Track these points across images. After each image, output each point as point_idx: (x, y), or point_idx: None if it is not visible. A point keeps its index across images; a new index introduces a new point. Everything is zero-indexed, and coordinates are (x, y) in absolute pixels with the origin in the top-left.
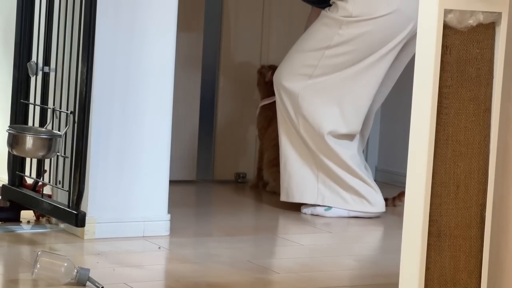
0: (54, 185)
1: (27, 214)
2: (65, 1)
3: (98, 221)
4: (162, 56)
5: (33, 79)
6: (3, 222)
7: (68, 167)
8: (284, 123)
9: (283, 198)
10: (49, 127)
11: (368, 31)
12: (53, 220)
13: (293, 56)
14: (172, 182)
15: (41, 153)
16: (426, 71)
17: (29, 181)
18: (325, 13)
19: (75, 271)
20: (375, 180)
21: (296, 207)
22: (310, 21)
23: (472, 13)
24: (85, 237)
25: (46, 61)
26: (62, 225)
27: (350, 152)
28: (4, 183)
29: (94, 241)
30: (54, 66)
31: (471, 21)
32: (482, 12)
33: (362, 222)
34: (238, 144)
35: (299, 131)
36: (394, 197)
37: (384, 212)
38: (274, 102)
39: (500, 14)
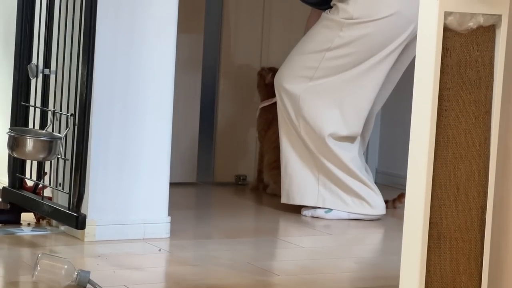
0: (54, 187)
1: (27, 217)
2: (66, 3)
3: (99, 223)
4: (162, 58)
5: (33, 81)
6: (3, 225)
7: (68, 169)
8: (285, 125)
9: (283, 200)
10: (50, 129)
11: (368, 33)
12: (54, 222)
13: (294, 58)
14: (172, 184)
15: (41, 156)
16: (426, 74)
17: (30, 183)
18: (326, 15)
19: (76, 273)
20: (375, 183)
21: (296, 209)
22: (309, 23)
23: (472, 15)
24: (86, 239)
25: (47, 63)
26: (62, 227)
27: (351, 155)
28: (4, 185)
29: (94, 243)
30: (54, 68)
31: (471, 24)
32: (482, 14)
33: (362, 225)
34: (239, 146)
35: (300, 133)
36: (394, 199)
37: (384, 215)
38: (274, 104)
39: (500, 16)
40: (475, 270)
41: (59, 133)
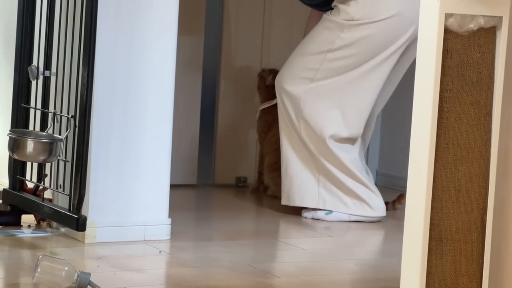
0: (54, 189)
1: (27, 218)
2: (66, 5)
3: (99, 225)
4: (163, 60)
5: (34, 83)
6: (3, 226)
7: (69, 171)
8: (285, 127)
9: (284, 202)
10: (50, 131)
11: (369, 35)
12: (54, 224)
13: (294, 59)
14: (172, 186)
15: (42, 157)
16: (427, 75)
17: (30, 185)
18: (327, 16)
19: (76, 275)
20: (375, 184)
21: (297, 211)
22: (309, 25)
23: (473, 17)
24: (86, 241)
25: (47, 65)
26: (62, 229)
27: (351, 156)
28: (4, 187)
29: (94, 245)
30: (55, 70)
31: (472, 25)
32: (483, 16)
33: (362, 226)
34: (239, 148)
35: (301, 134)
36: (394, 200)
37: (384, 216)
38: (274, 105)
39: (501, 18)
40: (475, 271)
41: (60, 135)
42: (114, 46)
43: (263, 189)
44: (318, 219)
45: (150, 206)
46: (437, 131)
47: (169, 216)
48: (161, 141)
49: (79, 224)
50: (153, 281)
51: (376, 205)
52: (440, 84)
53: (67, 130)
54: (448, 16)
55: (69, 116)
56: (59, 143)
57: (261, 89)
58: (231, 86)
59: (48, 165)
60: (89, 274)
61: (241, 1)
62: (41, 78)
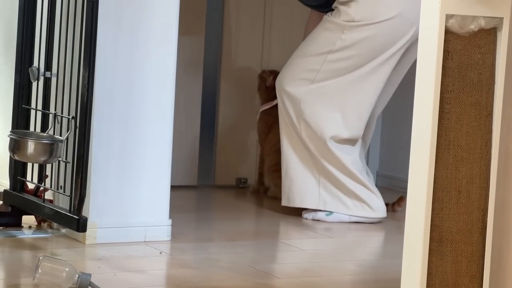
0: (55, 190)
1: (28, 219)
2: (67, 6)
3: (100, 226)
4: (164, 61)
5: (34, 84)
6: (4, 227)
7: (69, 172)
8: (286, 128)
9: (284, 202)
10: (51, 132)
11: (370, 36)
12: (55, 225)
13: (295, 60)
14: (173, 187)
15: (42, 158)
16: (427, 76)
17: (31, 186)
18: (327, 17)
19: (77, 276)
20: (376, 185)
21: (297, 212)
22: (308, 26)
23: (474, 18)
24: (87, 242)
25: (48, 66)
26: (63, 230)
27: (352, 157)
28: (5, 188)
29: (95, 246)
30: (55, 71)
31: (473, 26)
32: (484, 17)
33: (363, 227)
34: (239, 149)
35: (301, 135)
36: (394, 203)
37: (385, 217)
38: (275, 106)
39: (501, 19)
40: (476, 272)
41: (60, 135)
42: (114, 47)
43: (263, 190)
44: (318, 220)
45: (150, 207)
46: (437, 132)
47: (170, 217)
48: (161, 142)
49: (80, 225)
50: (154, 282)
51: (377, 206)
52: (441, 85)
53: (67, 131)
54: (448, 17)
55: (70, 117)
56: (59, 144)
57: (262, 90)
58: (232, 87)
59: (48, 166)
60: (89, 275)
61: (242, 2)
62: (41, 79)
